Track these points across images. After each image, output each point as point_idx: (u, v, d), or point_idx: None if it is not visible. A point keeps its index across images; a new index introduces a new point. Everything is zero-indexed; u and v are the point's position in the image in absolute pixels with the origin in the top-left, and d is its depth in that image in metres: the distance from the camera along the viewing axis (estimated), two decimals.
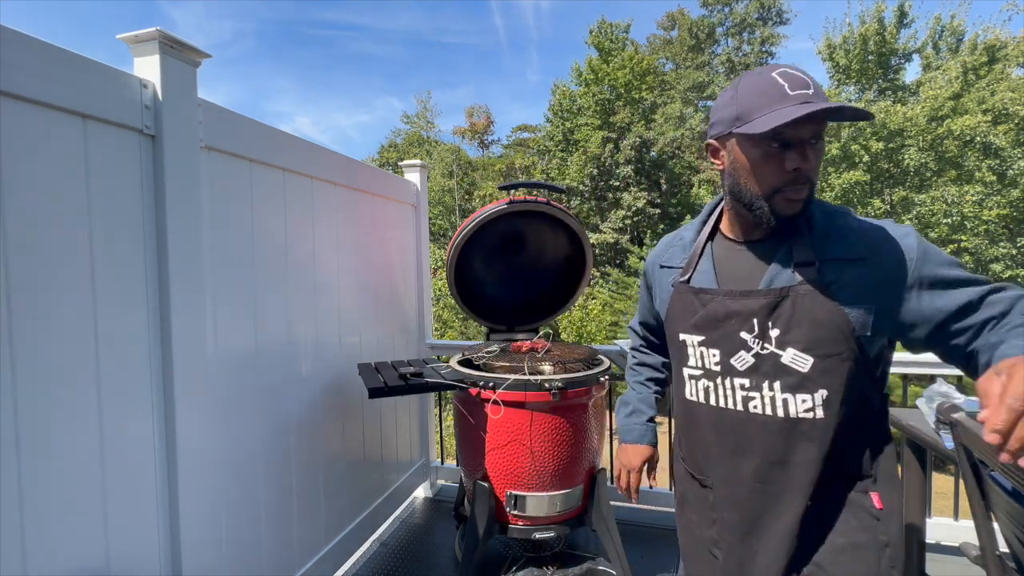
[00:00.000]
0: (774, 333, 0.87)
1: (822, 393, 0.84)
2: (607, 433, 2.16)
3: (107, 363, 1.15)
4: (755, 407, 0.89)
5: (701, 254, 1.01)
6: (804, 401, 0.85)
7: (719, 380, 0.93)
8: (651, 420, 1.25)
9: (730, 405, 0.92)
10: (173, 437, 1.29)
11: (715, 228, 1.04)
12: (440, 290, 14.70)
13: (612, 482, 2.66)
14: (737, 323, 0.90)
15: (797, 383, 0.85)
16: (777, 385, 0.87)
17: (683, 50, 21.24)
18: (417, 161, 2.84)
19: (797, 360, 0.85)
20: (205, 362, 1.39)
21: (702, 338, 0.95)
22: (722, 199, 1.03)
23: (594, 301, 15.67)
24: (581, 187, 20.14)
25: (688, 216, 20.59)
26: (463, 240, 2.26)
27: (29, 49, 1.00)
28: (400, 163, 2.91)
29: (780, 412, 0.87)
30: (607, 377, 1.94)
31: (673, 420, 1.10)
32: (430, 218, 14.49)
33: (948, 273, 0.80)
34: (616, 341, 2.43)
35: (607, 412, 2.14)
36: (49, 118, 1.04)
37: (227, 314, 1.50)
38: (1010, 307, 0.75)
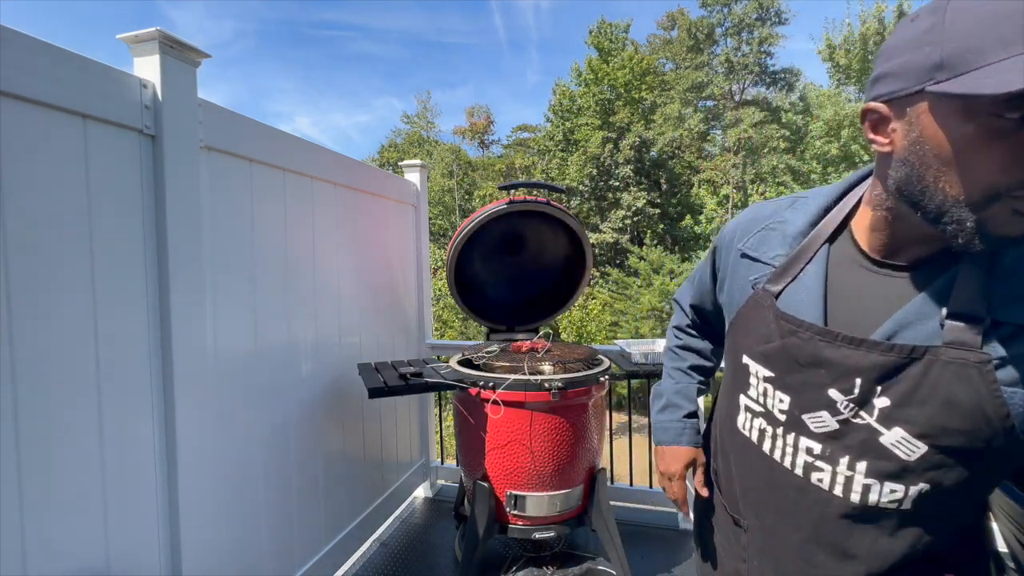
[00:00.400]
0: (880, 403, 0.62)
1: (921, 488, 0.61)
2: (607, 433, 2.16)
3: (107, 363, 1.15)
4: (820, 480, 0.67)
5: (811, 260, 0.71)
6: (893, 492, 0.62)
7: (780, 431, 0.71)
8: (691, 416, 1.02)
9: (786, 464, 0.71)
10: (173, 437, 1.29)
11: (844, 224, 0.71)
12: (440, 290, 14.70)
13: (612, 482, 2.67)
14: (828, 376, 0.65)
15: (893, 472, 0.62)
16: (862, 467, 0.63)
17: (682, 50, 21.23)
18: (417, 161, 2.83)
19: (903, 445, 0.61)
20: (205, 362, 1.39)
21: (771, 375, 0.71)
22: (867, 177, 0.71)
23: (594, 301, 15.68)
24: (581, 187, 20.14)
25: (688, 216, 20.55)
26: (463, 240, 2.26)
27: (29, 49, 0.99)
28: (400, 163, 2.91)
29: (855, 498, 0.64)
30: (607, 377, 1.94)
31: (713, 422, 0.93)
32: (430, 218, 14.49)
33: None
34: (616, 341, 2.43)
35: (607, 412, 2.14)
36: (49, 118, 1.04)
37: (227, 314, 1.50)
38: None
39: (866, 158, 16.96)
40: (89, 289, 1.11)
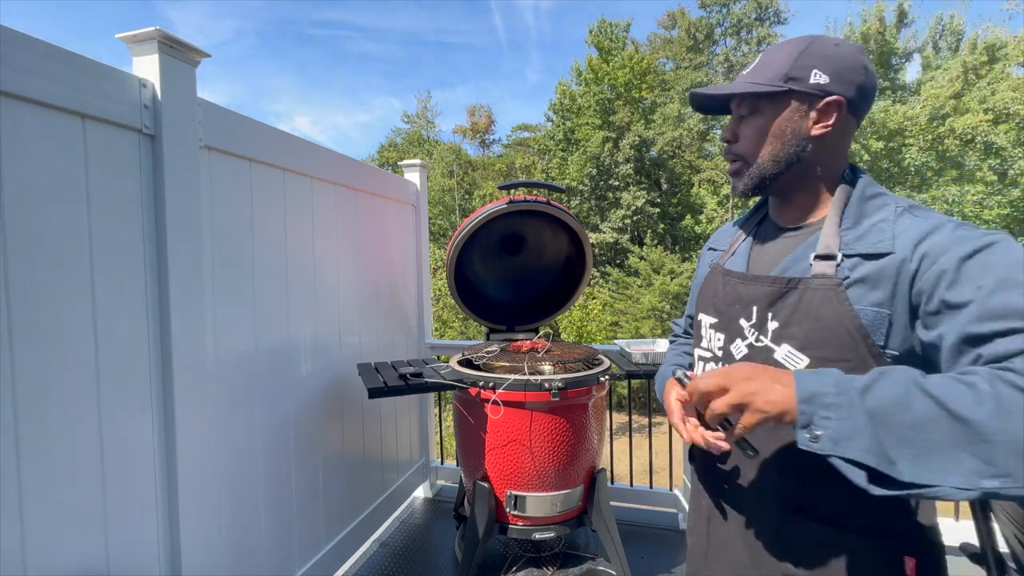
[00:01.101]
0: (772, 325, 0.80)
1: None
2: (607, 433, 2.16)
3: (107, 364, 1.15)
4: None
5: (744, 238, 0.97)
6: None
7: (720, 366, 0.89)
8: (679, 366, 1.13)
9: None
10: (173, 437, 1.29)
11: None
12: (440, 290, 14.70)
13: (612, 482, 2.66)
14: (740, 309, 0.86)
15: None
16: None
17: (682, 50, 21.23)
18: (417, 161, 2.83)
19: (791, 358, 0.78)
20: (205, 362, 1.39)
21: (715, 320, 0.93)
22: None
23: (594, 301, 15.67)
24: (581, 187, 20.14)
25: (688, 215, 20.57)
26: (463, 240, 2.26)
27: (28, 49, 0.99)
28: (400, 163, 2.91)
29: None
30: (607, 377, 1.94)
31: None
32: (430, 218, 14.50)
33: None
34: (616, 341, 2.43)
35: (607, 412, 2.14)
36: (48, 118, 1.04)
37: (227, 314, 1.50)
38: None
39: (866, 157, 16.97)
40: (89, 289, 1.11)
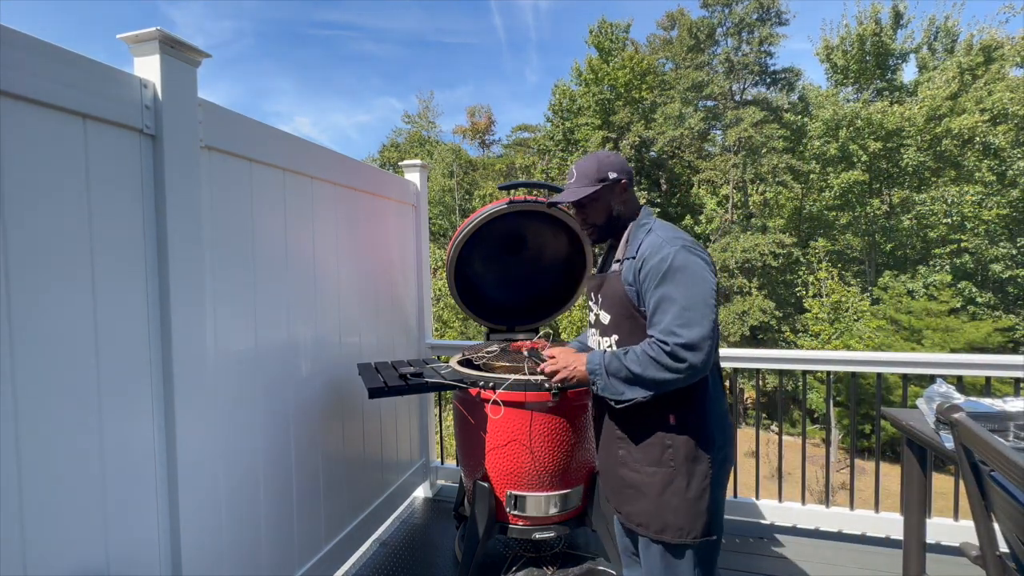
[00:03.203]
0: (599, 300, 1.42)
1: (614, 337, 1.36)
2: None
3: (107, 363, 1.15)
4: (597, 344, 1.44)
5: (606, 259, 1.53)
6: (607, 341, 1.39)
7: (594, 329, 1.47)
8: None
9: (596, 344, 1.46)
10: (173, 437, 1.29)
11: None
12: (440, 290, 14.69)
13: None
14: (592, 295, 1.49)
15: (604, 331, 1.40)
16: (598, 331, 1.43)
17: (683, 50, 21.20)
18: (417, 161, 2.84)
19: (604, 316, 1.40)
20: (205, 362, 1.39)
21: (592, 302, 1.50)
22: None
23: None
24: None
25: (688, 216, 20.58)
26: (463, 240, 2.26)
27: (29, 49, 0.99)
28: (400, 163, 2.91)
29: (602, 348, 1.41)
30: None
31: None
32: (430, 218, 14.47)
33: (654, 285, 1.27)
34: None
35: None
36: (49, 118, 1.04)
37: (227, 314, 1.50)
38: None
39: (863, 157, 16.99)
40: (89, 288, 1.11)
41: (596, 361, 1.29)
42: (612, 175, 1.37)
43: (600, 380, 1.28)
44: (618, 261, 1.35)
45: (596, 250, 2.39)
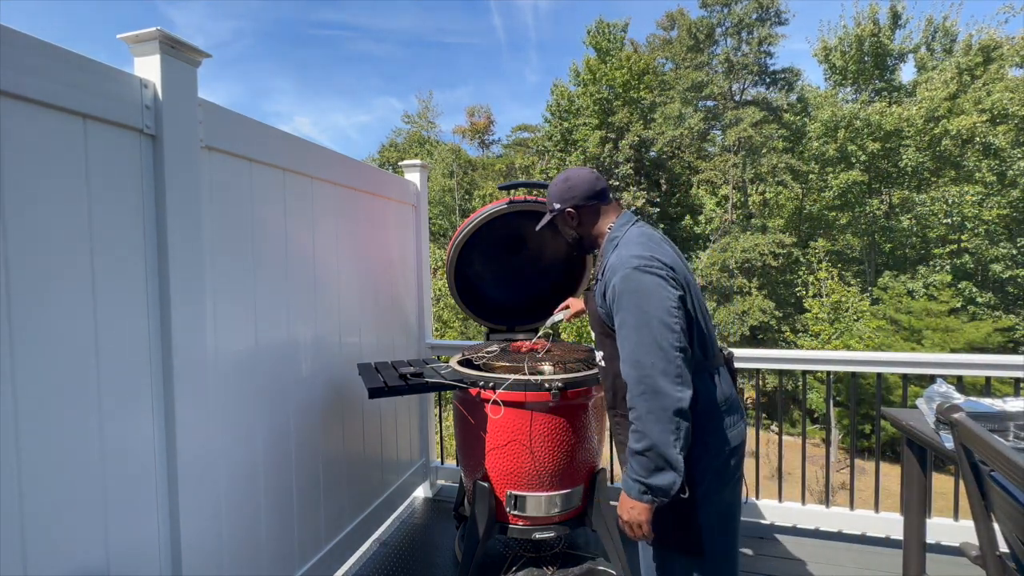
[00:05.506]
0: (588, 317, 1.48)
1: (601, 353, 1.37)
2: (607, 433, 2.16)
3: (107, 363, 1.15)
4: (599, 358, 1.42)
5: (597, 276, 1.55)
6: (598, 355, 1.40)
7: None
8: None
9: (596, 358, 1.46)
10: (173, 437, 1.29)
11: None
12: (440, 290, 14.69)
13: (612, 482, 2.67)
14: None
15: (596, 346, 1.43)
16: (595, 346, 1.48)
17: (682, 50, 21.20)
18: (417, 161, 2.84)
19: (593, 333, 1.42)
20: (205, 362, 1.39)
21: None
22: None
23: None
24: None
25: (688, 216, 20.58)
26: (463, 240, 2.26)
27: (29, 49, 0.99)
28: (400, 163, 2.91)
29: (598, 360, 1.42)
30: None
31: None
32: (430, 218, 14.46)
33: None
34: None
35: (607, 412, 2.14)
36: (49, 118, 1.04)
37: (227, 314, 1.50)
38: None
39: (862, 158, 16.99)
40: (89, 288, 1.11)
41: (625, 483, 1.17)
42: (556, 206, 1.42)
43: (636, 481, 1.14)
44: (595, 278, 1.43)
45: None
